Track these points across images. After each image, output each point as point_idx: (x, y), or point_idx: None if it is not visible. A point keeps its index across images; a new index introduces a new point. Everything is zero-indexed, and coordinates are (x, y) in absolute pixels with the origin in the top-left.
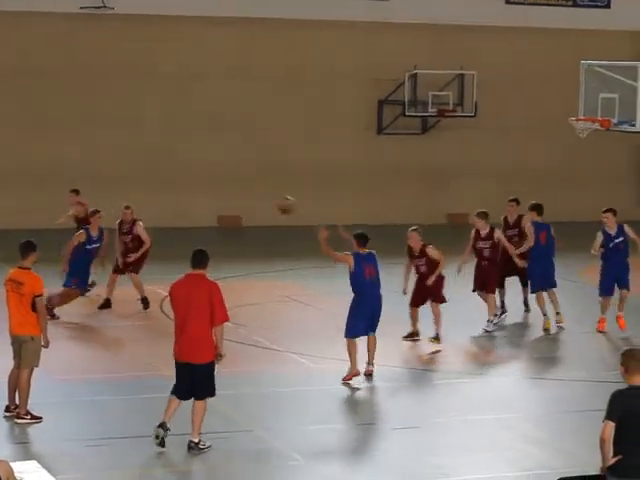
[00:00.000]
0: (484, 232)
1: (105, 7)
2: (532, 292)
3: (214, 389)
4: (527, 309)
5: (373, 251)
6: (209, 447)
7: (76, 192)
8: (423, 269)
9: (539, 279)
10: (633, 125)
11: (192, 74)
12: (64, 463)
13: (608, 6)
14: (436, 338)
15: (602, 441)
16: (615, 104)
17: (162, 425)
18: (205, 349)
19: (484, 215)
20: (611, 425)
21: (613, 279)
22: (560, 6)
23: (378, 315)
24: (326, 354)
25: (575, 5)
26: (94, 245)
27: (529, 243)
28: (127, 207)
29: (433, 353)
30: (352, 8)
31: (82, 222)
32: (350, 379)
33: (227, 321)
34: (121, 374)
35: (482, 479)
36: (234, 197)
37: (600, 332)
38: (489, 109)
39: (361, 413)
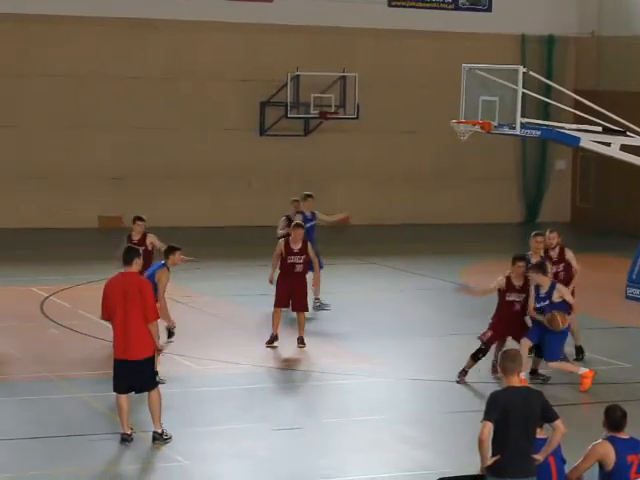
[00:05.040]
0: None
1: None
2: None
3: (155, 381)
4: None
5: None
6: (170, 438)
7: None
8: None
9: None
10: (513, 128)
11: (67, 74)
12: None
13: (489, 10)
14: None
15: (480, 441)
16: (495, 107)
17: (124, 439)
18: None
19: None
20: (489, 425)
21: None
22: (442, 9)
23: None
24: (210, 356)
25: (457, 8)
26: None
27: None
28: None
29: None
30: (234, 10)
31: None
32: None
33: (158, 318)
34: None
35: None
36: (115, 197)
37: None
38: (371, 111)
39: (244, 414)
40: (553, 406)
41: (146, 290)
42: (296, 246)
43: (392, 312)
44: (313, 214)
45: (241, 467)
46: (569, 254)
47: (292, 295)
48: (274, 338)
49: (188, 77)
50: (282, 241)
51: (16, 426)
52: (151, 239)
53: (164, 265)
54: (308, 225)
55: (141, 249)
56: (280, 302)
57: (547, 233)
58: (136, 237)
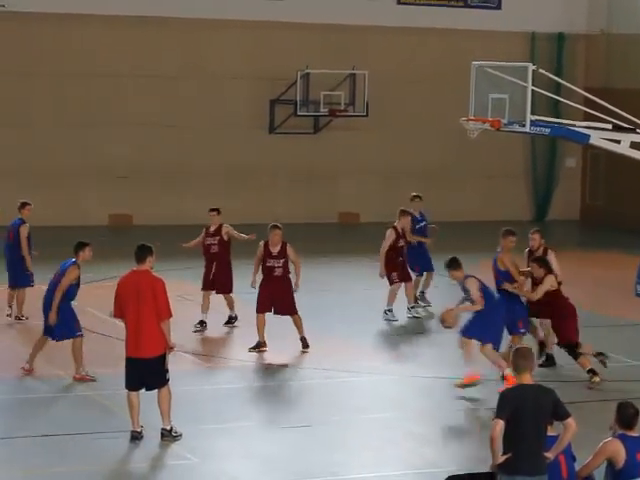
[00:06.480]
0: None
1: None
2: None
3: (166, 378)
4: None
5: None
6: (180, 435)
7: None
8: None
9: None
10: (523, 125)
11: (77, 73)
12: None
13: (499, 7)
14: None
15: (492, 439)
16: (505, 104)
17: (135, 437)
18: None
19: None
20: (501, 423)
21: None
22: (451, 7)
23: None
24: (218, 354)
25: (466, 6)
26: None
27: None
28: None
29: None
30: (244, 8)
31: None
32: None
33: (171, 317)
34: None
35: (371, 477)
36: (125, 196)
37: None
38: (381, 109)
39: (254, 412)
40: (564, 404)
41: (159, 288)
42: (274, 249)
43: (402, 309)
44: (422, 215)
45: (250, 465)
46: (551, 256)
47: (274, 300)
48: (260, 344)
49: (198, 75)
50: (262, 243)
51: (26, 424)
52: (227, 229)
53: (74, 263)
54: (417, 227)
55: (217, 239)
56: (262, 307)
57: (530, 234)
58: (212, 228)
